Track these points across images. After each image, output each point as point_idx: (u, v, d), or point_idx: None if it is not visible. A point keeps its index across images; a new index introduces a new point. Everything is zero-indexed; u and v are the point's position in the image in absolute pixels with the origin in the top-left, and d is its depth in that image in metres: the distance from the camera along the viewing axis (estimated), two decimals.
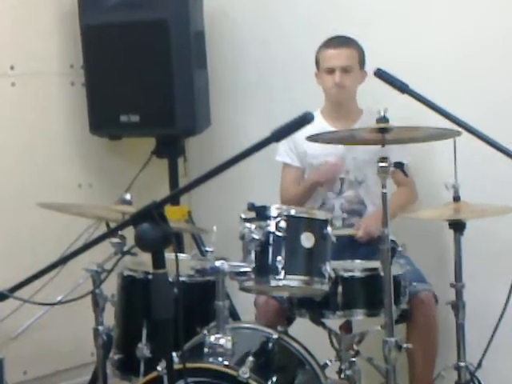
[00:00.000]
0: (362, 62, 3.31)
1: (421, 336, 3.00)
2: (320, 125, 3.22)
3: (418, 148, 3.16)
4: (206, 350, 2.47)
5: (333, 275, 2.61)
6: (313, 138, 2.89)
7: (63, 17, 3.92)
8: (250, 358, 2.40)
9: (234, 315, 3.52)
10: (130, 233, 1.74)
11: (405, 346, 2.63)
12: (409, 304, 2.89)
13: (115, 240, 2.81)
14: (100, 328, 2.91)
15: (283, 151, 3.40)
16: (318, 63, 3.35)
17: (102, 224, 3.03)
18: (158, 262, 1.72)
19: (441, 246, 3.42)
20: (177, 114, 3.76)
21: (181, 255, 3.00)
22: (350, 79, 3.27)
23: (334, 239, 2.61)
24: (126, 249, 2.80)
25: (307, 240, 2.54)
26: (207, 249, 2.70)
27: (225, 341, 2.47)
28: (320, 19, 3.76)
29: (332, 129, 3.26)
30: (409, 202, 3.37)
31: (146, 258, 2.39)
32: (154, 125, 3.84)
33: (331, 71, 3.26)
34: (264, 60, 4.01)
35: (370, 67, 3.13)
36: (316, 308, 2.76)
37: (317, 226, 2.58)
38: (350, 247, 3.15)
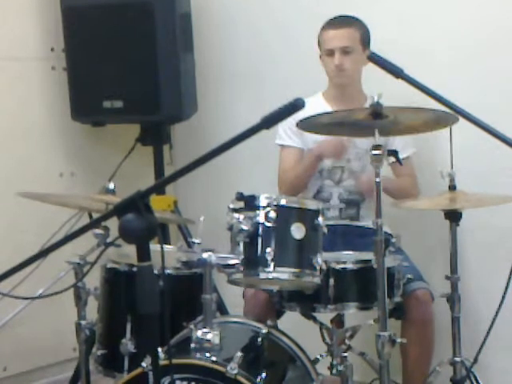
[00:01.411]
0: (365, 42, 3.21)
1: (417, 333, 2.96)
2: (321, 107, 3.14)
3: (414, 136, 3.08)
4: (192, 345, 2.45)
5: (324, 267, 2.57)
6: (305, 128, 2.79)
7: None
8: (239, 354, 2.38)
9: (222, 309, 3.51)
10: (113, 224, 1.71)
11: (399, 340, 2.57)
12: (405, 301, 2.86)
13: (98, 231, 2.79)
14: (82, 322, 2.88)
15: (282, 133, 3.29)
16: (319, 45, 3.28)
17: (85, 214, 2.99)
18: (143, 254, 1.69)
19: (436, 236, 3.38)
20: (162, 100, 3.71)
21: (166, 247, 2.98)
22: (350, 61, 3.17)
23: (325, 230, 2.56)
24: (109, 240, 2.78)
25: (298, 231, 2.50)
26: (194, 240, 2.67)
27: (212, 336, 2.44)
28: (314, 1, 3.70)
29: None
30: (408, 190, 3.26)
31: (130, 250, 2.43)
32: (139, 111, 3.79)
33: (331, 53, 3.19)
34: (253, 43, 3.96)
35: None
36: (307, 301, 2.72)
37: (308, 217, 2.53)
38: (342, 238, 3.10)
